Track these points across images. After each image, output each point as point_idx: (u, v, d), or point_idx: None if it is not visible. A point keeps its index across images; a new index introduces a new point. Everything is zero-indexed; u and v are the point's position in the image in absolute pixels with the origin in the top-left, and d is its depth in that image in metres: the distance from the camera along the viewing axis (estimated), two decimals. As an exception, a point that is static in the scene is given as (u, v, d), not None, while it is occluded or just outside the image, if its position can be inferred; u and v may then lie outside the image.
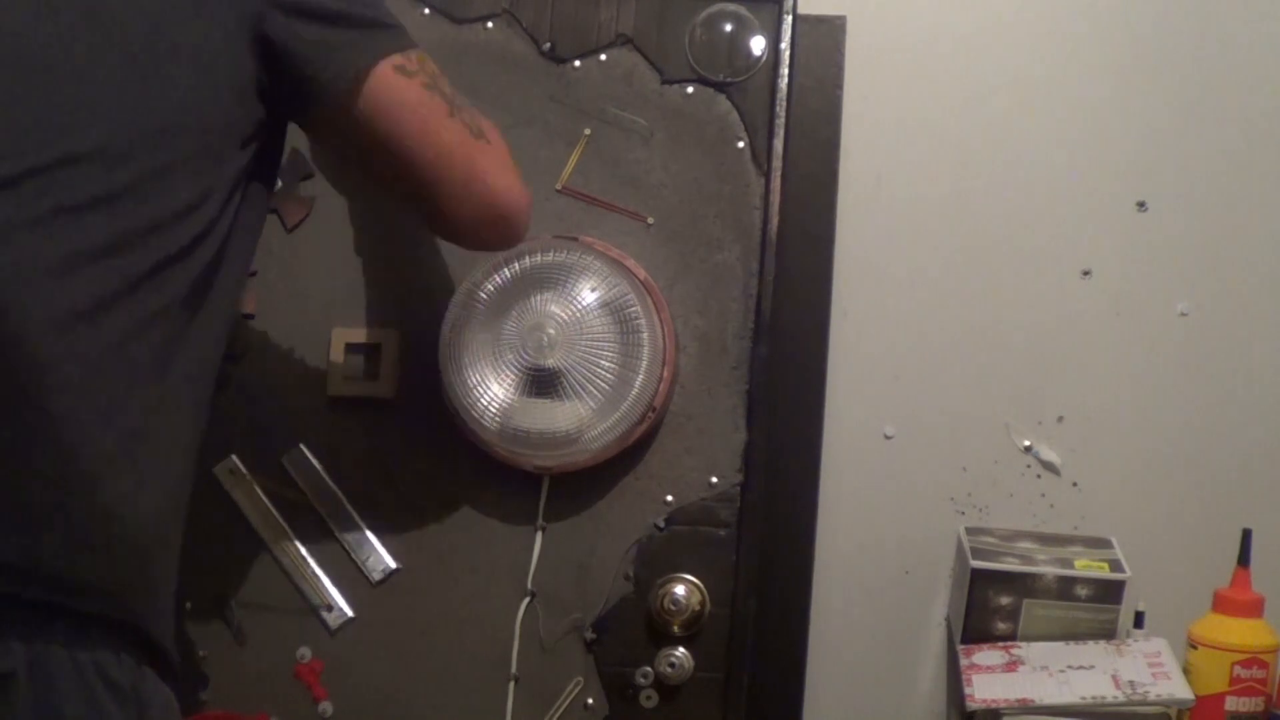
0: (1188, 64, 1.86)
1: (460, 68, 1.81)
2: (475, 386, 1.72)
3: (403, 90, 1.43)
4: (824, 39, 1.81)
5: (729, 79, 1.77)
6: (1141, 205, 1.86)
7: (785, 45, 1.76)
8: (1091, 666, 1.68)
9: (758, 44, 1.77)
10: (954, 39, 1.88)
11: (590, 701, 1.77)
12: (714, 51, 1.78)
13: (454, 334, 1.73)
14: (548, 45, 1.80)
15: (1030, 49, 1.87)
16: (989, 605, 1.73)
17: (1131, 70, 1.86)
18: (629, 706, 1.77)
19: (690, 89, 1.78)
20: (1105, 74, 1.86)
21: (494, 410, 1.72)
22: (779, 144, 1.76)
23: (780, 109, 1.76)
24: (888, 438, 1.88)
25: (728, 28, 1.77)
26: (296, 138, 1.82)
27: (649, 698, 1.76)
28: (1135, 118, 1.86)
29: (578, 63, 1.80)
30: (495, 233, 1.54)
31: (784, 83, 1.76)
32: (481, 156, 1.48)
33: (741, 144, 1.78)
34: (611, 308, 1.71)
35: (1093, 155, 1.86)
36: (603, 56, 1.80)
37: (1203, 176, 1.85)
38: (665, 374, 1.72)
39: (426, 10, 1.82)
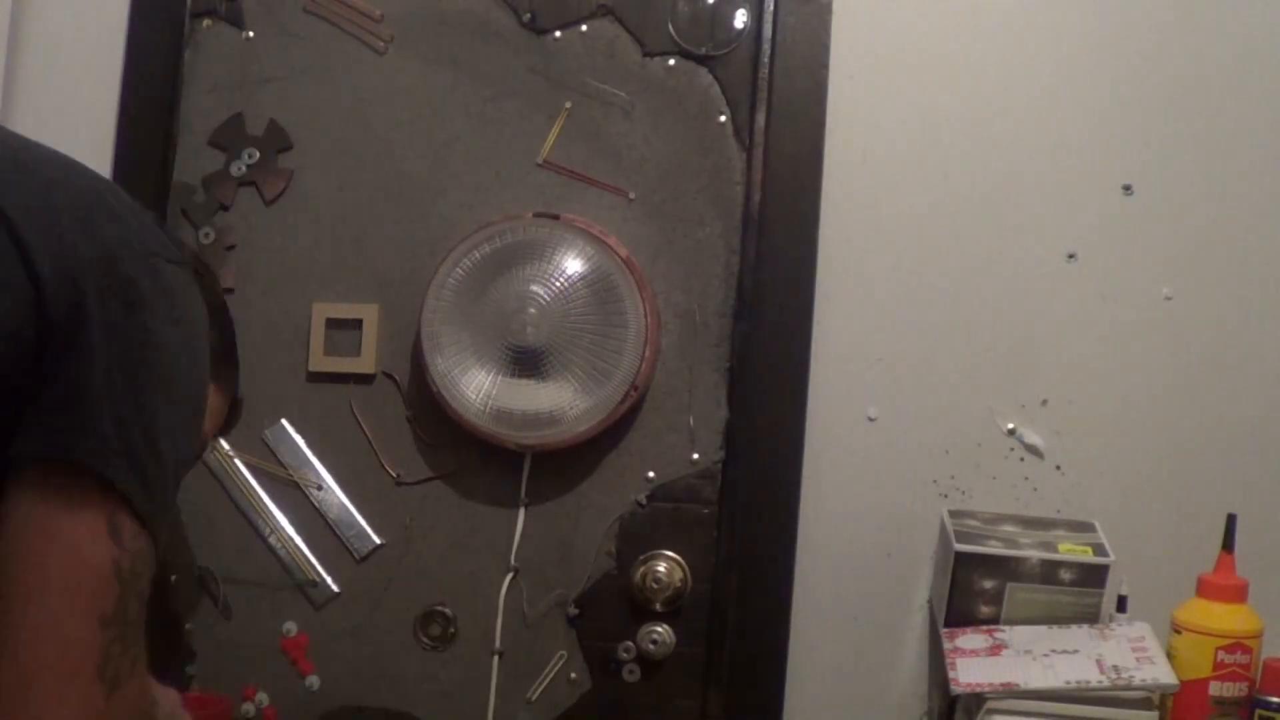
0: (1174, 48, 1.85)
1: (439, 39, 1.82)
2: (457, 368, 1.73)
3: (86, 539, 1.01)
4: (810, 18, 1.81)
5: (711, 52, 1.77)
6: (1127, 189, 1.85)
7: (768, 18, 1.77)
8: (1075, 651, 1.67)
9: (740, 17, 1.77)
10: (940, 20, 1.87)
11: (574, 675, 1.78)
12: (696, 24, 1.78)
13: (435, 314, 1.74)
14: (528, 16, 1.80)
15: (1017, 31, 1.87)
16: (972, 588, 1.72)
17: (1118, 54, 1.86)
18: (612, 681, 1.78)
19: (672, 61, 1.78)
20: (1092, 57, 1.86)
21: (476, 392, 1.72)
22: (761, 118, 1.75)
23: (762, 83, 1.76)
24: (871, 420, 1.87)
25: (710, 0, 1.78)
26: (275, 106, 1.84)
27: (631, 672, 1.76)
28: (1122, 101, 1.86)
29: (558, 34, 1.80)
30: None
31: (766, 56, 1.76)
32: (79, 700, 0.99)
33: (723, 118, 1.77)
34: (593, 287, 1.71)
35: (1079, 139, 1.86)
36: (584, 27, 1.80)
37: (1188, 161, 1.85)
38: (647, 352, 1.72)
39: (405, -21, 1.83)
